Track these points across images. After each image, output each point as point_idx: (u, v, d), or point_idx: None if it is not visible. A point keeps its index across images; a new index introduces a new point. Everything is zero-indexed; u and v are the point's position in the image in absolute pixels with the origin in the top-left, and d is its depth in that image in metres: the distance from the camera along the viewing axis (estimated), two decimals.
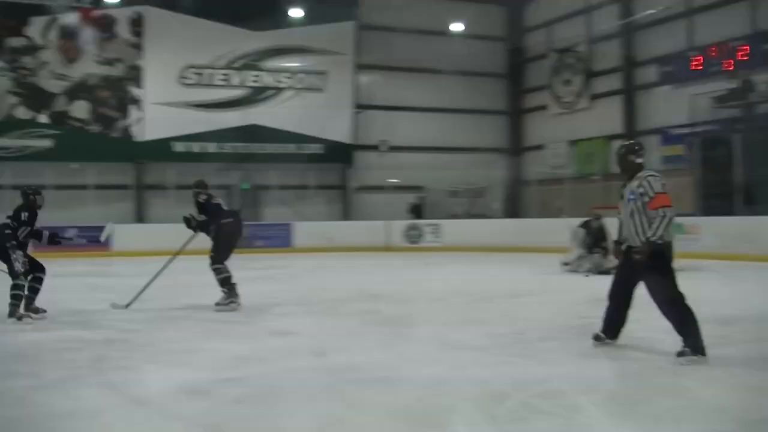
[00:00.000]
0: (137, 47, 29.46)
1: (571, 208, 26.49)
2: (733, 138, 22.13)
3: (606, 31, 29.31)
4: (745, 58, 26.03)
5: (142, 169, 30.05)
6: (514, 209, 34.08)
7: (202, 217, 12.08)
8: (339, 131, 32.48)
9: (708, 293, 13.72)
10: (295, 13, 30.88)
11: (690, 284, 15.16)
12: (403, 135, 33.97)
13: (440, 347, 8.65)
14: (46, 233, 11.38)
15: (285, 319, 11.03)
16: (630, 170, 8.17)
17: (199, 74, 30.60)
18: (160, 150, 29.67)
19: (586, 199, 25.20)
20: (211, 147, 30.57)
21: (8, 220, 11.01)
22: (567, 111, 34.16)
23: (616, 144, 30.82)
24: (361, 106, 33.21)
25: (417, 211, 31.04)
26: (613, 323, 8.33)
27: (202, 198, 12.14)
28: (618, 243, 8.27)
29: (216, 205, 12.21)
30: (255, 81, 31.52)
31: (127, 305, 11.82)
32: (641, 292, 7.80)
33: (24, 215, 10.92)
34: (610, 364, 7.60)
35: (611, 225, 18.33)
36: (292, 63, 31.86)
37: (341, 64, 32.36)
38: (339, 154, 32.38)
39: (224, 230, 12.05)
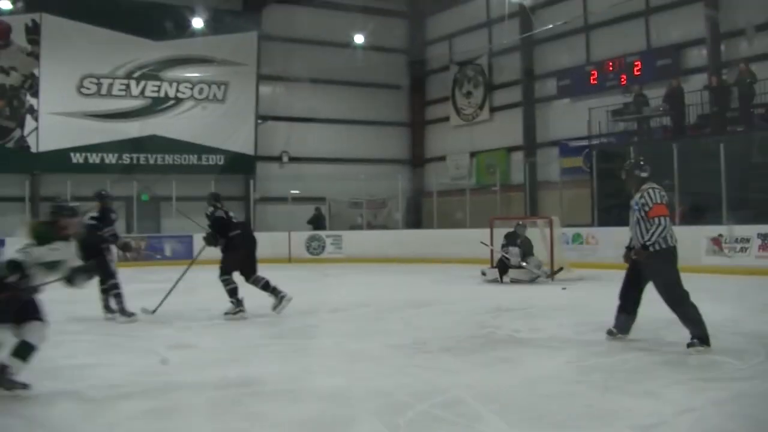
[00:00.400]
0: (33, 55, 28.67)
1: (472, 219, 26.75)
2: (629, 150, 22.58)
3: (506, 45, 29.69)
4: (639, 73, 26.73)
5: (37, 180, 29.22)
6: (415, 220, 34.28)
7: (209, 231, 12.54)
8: (241, 142, 32.20)
9: (606, 302, 13.99)
10: (197, 23, 30.46)
11: (588, 293, 15.53)
12: (306, 146, 33.93)
13: (342, 358, 8.63)
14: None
15: (185, 332, 10.86)
16: (635, 184, 8.88)
17: (98, 84, 29.86)
18: (58, 161, 28.89)
19: (486, 210, 25.46)
20: (110, 158, 29.96)
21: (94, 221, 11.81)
22: (468, 123, 34.58)
23: (516, 155, 31.56)
24: (263, 117, 33.02)
25: (317, 223, 30.91)
26: (624, 320, 9.22)
27: (209, 211, 12.53)
28: (628, 249, 9.05)
29: (220, 218, 12.47)
30: (155, 91, 30.93)
31: (153, 311, 12.30)
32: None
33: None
34: (511, 372, 7.69)
35: (533, 235, 18.82)
36: (193, 73, 31.43)
37: (243, 75, 32.06)
38: (241, 165, 32.06)
39: (232, 243, 12.36)
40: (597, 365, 7.88)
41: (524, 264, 17.95)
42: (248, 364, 8.42)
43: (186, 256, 24.36)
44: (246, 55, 32.08)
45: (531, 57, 31.55)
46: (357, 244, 28.19)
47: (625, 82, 26.87)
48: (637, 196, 8.72)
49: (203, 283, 13.94)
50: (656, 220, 8.46)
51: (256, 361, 8.58)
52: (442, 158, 35.76)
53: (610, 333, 9.24)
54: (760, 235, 18.43)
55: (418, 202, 35.30)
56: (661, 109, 24.20)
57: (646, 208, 8.54)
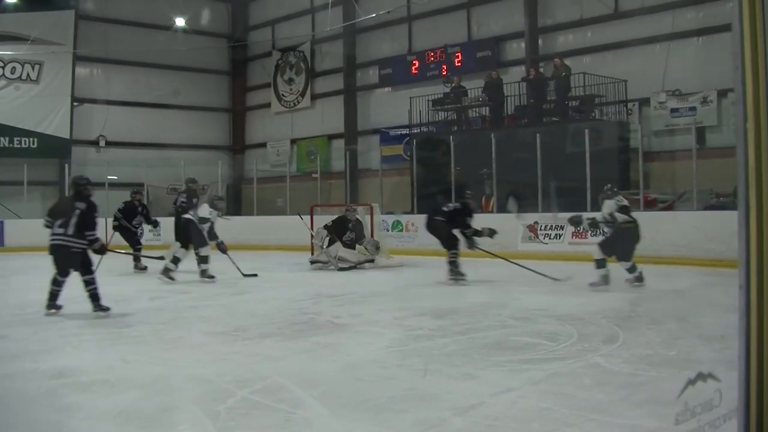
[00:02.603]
0: None
1: (292, 206, 26.65)
2: (449, 139, 22.99)
3: (329, 32, 29.72)
4: (460, 64, 27.27)
5: None
6: (235, 207, 33.93)
7: None
8: (55, 125, 31.07)
9: (427, 288, 14.20)
10: None
11: (409, 279, 15.66)
12: (124, 130, 33.04)
13: (160, 346, 8.38)
14: None
15: None
16: None
17: None
18: None
19: (307, 197, 25.43)
20: None
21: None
22: (289, 109, 34.53)
23: (337, 143, 31.68)
24: (79, 100, 31.96)
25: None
26: None
27: None
28: None
29: None
30: None
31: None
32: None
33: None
34: (332, 358, 7.63)
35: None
36: (4, 51, 30.05)
37: (59, 55, 30.76)
38: (55, 148, 30.93)
39: None
40: (417, 349, 7.91)
41: (363, 246, 17.98)
42: (63, 354, 8.02)
43: None
44: (62, 34, 30.92)
45: (353, 45, 31.77)
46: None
47: (445, 73, 27.34)
48: None
49: (13, 270, 13.36)
50: None
51: (70, 351, 8.19)
52: (263, 145, 35.55)
53: None
54: None
55: (238, 188, 34.94)
56: (480, 99, 24.76)
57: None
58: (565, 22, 25.24)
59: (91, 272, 10.53)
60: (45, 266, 10.91)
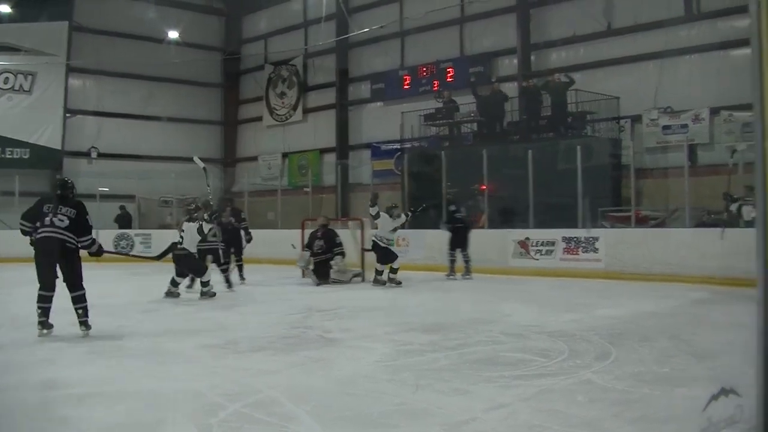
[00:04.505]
0: None
1: (283, 220, 26.57)
2: (440, 154, 23.00)
3: (322, 47, 29.75)
4: (452, 79, 27.30)
5: None
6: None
7: None
8: (48, 136, 30.96)
9: (417, 303, 14.18)
10: (4, 8, 29.08)
11: (397, 294, 15.67)
12: (116, 142, 32.91)
13: (153, 359, 8.31)
14: None
15: None
16: None
17: None
18: None
19: (298, 212, 25.37)
20: None
21: None
22: (281, 123, 34.52)
23: (329, 157, 31.68)
24: (72, 111, 31.89)
25: (123, 221, 29.96)
26: None
27: None
28: None
29: None
30: None
31: None
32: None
33: None
34: (323, 372, 7.59)
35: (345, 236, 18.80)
36: None
37: (52, 66, 30.69)
38: (47, 160, 30.79)
39: None
40: (408, 365, 7.87)
41: (332, 264, 17.93)
42: (57, 366, 7.97)
43: None
44: (55, 45, 30.84)
45: (346, 59, 31.82)
46: (167, 243, 27.34)
47: (437, 88, 27.36)
48: None
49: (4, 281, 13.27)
50: None
51: (65, 364, 8.13)
52: (255, 158, 35.52)
53: None
54: (564, 239, 19.05)
55: (229, 201, 34.78)
56: (472, 114, 24.78)
57: None
58: (558, 39, 25.27)
59: (81, 287, 9.97)
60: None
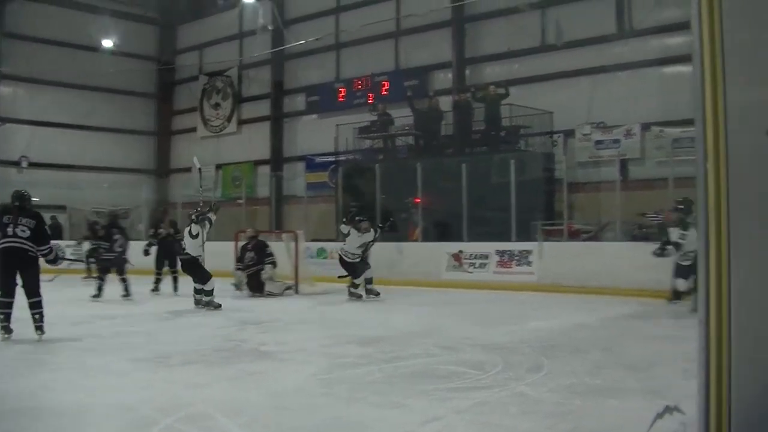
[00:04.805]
0: None
1: (216, 232, 26.34)
2: (374, 167, 23.00)
3: (257, 58, 29.68)
4: (387, 92, 27.36)
5: None
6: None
7: None
8: None
9: (352, 316, 14.16)
10: None
11: (332, 307, 15.64)
12: (47, 151, 32.28)
13: (82, 373, 8.18)
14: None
15: None
16: None
17: None
18: None
19: (231, 224, 25.17)
20: None
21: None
22: (215, 134, 34.28)
23: (263, 169, 31.53)
24: (1, 119, 31.28)
25: (53, 231, 29.44)
26: None
27: None
28: None
29: None
30: None
31: None
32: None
33: None
34: (257, 386, 7.54)
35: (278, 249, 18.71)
36: None
37: None
38: None
39: None
40: (342, 377, 7.85)
41: (262, 273, 17.87)
42: None
43: None
44: None
45: (281, 71, 31.71)
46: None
47: (372, 101, 27.38)
48: None
49: None
50: None
51: None
52: (188, 169, 35.18)
53: None
54: (498, 252, 19.17)
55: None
56: (406, 128, 24.78)
57: None
58: (492, 54, 25.49)
59: (39, 294, 10.46)
60: None
